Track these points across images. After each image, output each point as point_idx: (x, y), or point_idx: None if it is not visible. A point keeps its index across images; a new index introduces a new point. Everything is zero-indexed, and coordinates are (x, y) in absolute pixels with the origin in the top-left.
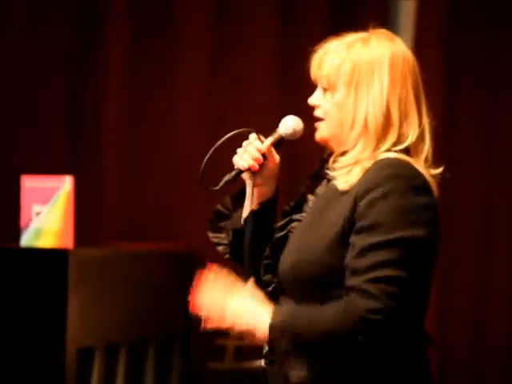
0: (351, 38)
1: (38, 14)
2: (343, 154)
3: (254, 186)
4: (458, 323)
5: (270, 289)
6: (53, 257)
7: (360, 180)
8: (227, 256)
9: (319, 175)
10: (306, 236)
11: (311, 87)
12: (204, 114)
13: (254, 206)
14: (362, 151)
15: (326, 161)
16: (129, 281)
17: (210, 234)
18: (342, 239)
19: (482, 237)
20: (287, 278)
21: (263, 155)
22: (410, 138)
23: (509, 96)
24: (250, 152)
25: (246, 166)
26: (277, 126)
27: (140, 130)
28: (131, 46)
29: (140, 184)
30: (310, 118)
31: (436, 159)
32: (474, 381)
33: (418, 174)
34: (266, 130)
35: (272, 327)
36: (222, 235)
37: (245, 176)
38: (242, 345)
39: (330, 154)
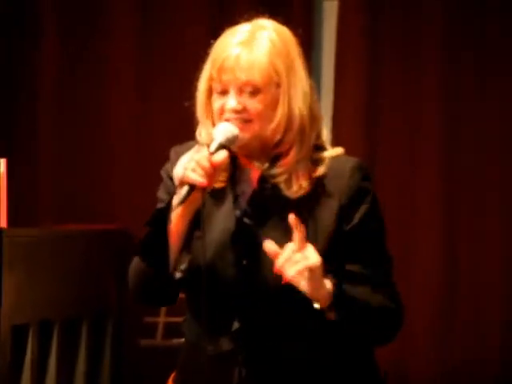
0: (251, 29)
1: None
2: (276, 156)
3: (203, 203)
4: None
5: (243, 316)
6: None
7: (330, 186)
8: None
9: (240, 180)
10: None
11: None
12: (134, 100)
13: (186, 221)
14: (300, 150)
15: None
16: (62, 259)
17: (141, 257)
18: (330, 245)
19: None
20: (275, 300)
21: (214, 168)
22: (325, 129)
23: (431, 81)
24: (204, 166)
25: (205, 183)
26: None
27: (75, 114)
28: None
29: (75, 168)
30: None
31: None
32: None
33: (368, 168)
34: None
35: (339, 291)
36: (151, 258)
37: (193, 194)
38: (172, 322)
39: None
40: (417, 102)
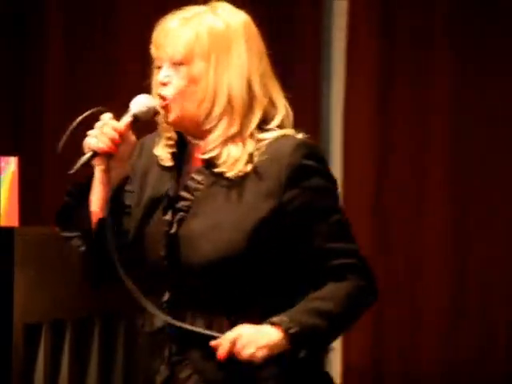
0: (197, 9)
1: None
2: (203, 134)
3: (107, 170)
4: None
5: (172, 289)
6: None
7: (270, 165)
8: (83, 249)
9: (179, 158)
10: (212, 228)
11: None
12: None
13: (106, 192)
14: (227, 128)
15: (179, 144)
16: (74, 258)
17: (60, 229)
18: (267, 226)
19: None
20: (201, 275)
21: (120, 136)
22: (280, 112)
23: (443, 80)
24: (107, 133)
25: (105, 148)
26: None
27: (81, 113)
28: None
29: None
30: None
31: (370, 146)
32: None
33: (319, 149)
34: None
35: (294, 335)
36: (73, 228)
37: (96, 161)
38: None
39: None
40: (428, 101)
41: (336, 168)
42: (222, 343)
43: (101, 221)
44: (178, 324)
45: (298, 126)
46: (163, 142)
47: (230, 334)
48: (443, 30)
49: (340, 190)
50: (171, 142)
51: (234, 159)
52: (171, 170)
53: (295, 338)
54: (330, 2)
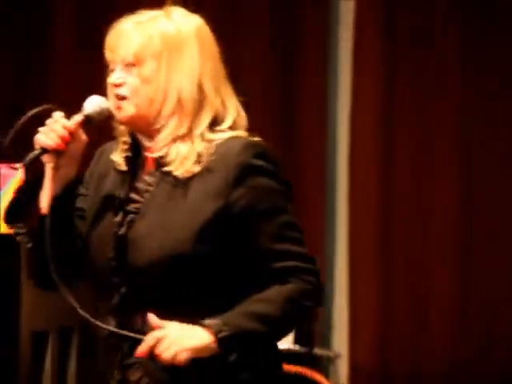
0: (150, 14)
1: None
2: (154, 134)
3: (56, 167)
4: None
5: (121, 291)
6: (7, 242)
7: (218, 165)
8: (29, 245)
9: (131, 160)
10: (160, 228)
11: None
12: None
13: (57, 190)
14: (176, 128)
15: (133, 146)
16: None
17: (8, 224)
18: (214, 226)
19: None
20: (148, 276)
21: (70, 134)
22: (231, 114)
23: (449, 80)
24: (56, 130)
25: (53, 145)
26: None
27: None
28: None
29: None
30: None
31: (373, 155)
32: None
33: (273, 151)
34: None
35: (225, 338)
36: (21, 224)
37: (46, 157)
38: None
39: (133, 139)
40: (434, 101)
41: (342, 168)
42: (147, 340)
43: (42, 219)
44: (110, 328)
45: (305, 125)
46: (120, 146)
47: (156, 333)
48: (451, 30)
49: (345, 190)
50: (126, 147)
51: (182, 157)
52: (126, 174)
53: (225, 342)
54: (336, 2)
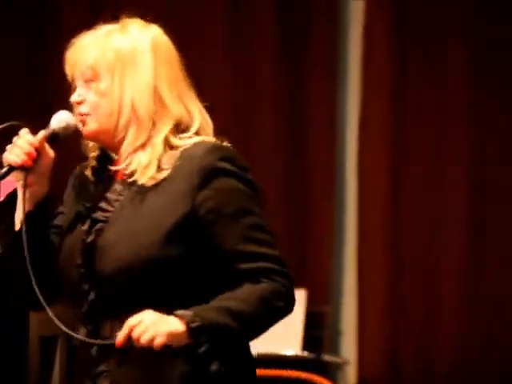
0: (106, 28)
1: None
2: (117, 146)
3: (26, 184)
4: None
5: (90, 298)
6: None
7: (184, 169)
8: (5, 264)
9: (100, 172)
10: (127, 234)
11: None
12: None
13: (29, 207)
14: (136, 137)
15: (101, 158)
16: None
17: None
18: (181, 229)
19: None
20: (117, 282)
21: (36, 150)
22: (197, 120)
23: (458, 79)
24: (21, 146)
25: (19, 162)
26: (226, 122)
27: None
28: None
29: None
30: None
31: (386, 157)
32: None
33: (239, 155)
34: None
35: (198, 328)
36: None
37: (16, 175)
38: None
39: (102, 152)
40: (444, 101)
41: (351, 172)
42: (123, 329)
43: (16, 235)
44: (75, 336)
45: (314, 129)
46: (90, 162)
47: (132, 320)
48: (462, 29)
49: (354, 195)
50: (95, 161)
51: (142, 166)
52: (97, 186)
53: (196, 333)
54: (346, 2)
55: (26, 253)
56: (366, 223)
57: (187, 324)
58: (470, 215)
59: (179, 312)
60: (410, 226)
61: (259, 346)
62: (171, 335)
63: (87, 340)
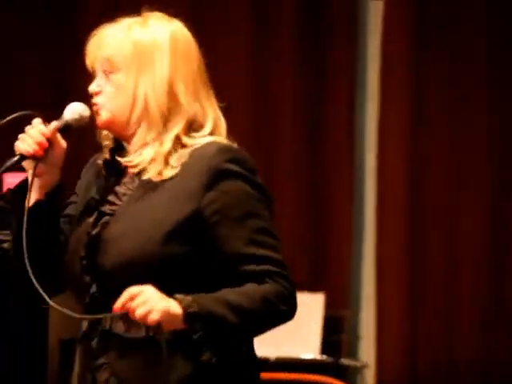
0: (127, 21)
1: None
2: (129, 139)
3: (36, 174)
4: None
5: (92, 291)
6: None
7: (193, 168)
8: (12, 253)
9: (111, 164)
10: (132, 229)
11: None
12: None
13: (39, 196)
14: (146, 133)
15: (115, 150)
16: None
17: None
18: (185, 228)
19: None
20: (118, 276)
21: (48, 140)
22: (211, 119)
23: (479, 82)
24: (33, 136)
25: (30, 151)
26: (247, 123)
27: None
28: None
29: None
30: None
31: (405, 157)
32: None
33: (249, 157)
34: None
35: (195, 313)
36: (7, 232)
37: (27, 164)
38: None
39: (117, 144)
40: (464, 102)
41: (369, 183)
42: (123, 295)
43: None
44: (82, 317)
45: (332, 131)
46: (104, 152)
47: (133, 289)
48: (481, 30)
49: (373, 205)
50: (108, 152)
51: (147, 161)
52: (108, 178)
53: (192, 318)
54: (365, 2)
55: (24, 247)
56: (385, 227)
57: (184, 308)
58: (490, 216)
59: (179, 296)
60: (429, 229)
61: (278, 349)
62: (167, 315)
63: (80, 317)
